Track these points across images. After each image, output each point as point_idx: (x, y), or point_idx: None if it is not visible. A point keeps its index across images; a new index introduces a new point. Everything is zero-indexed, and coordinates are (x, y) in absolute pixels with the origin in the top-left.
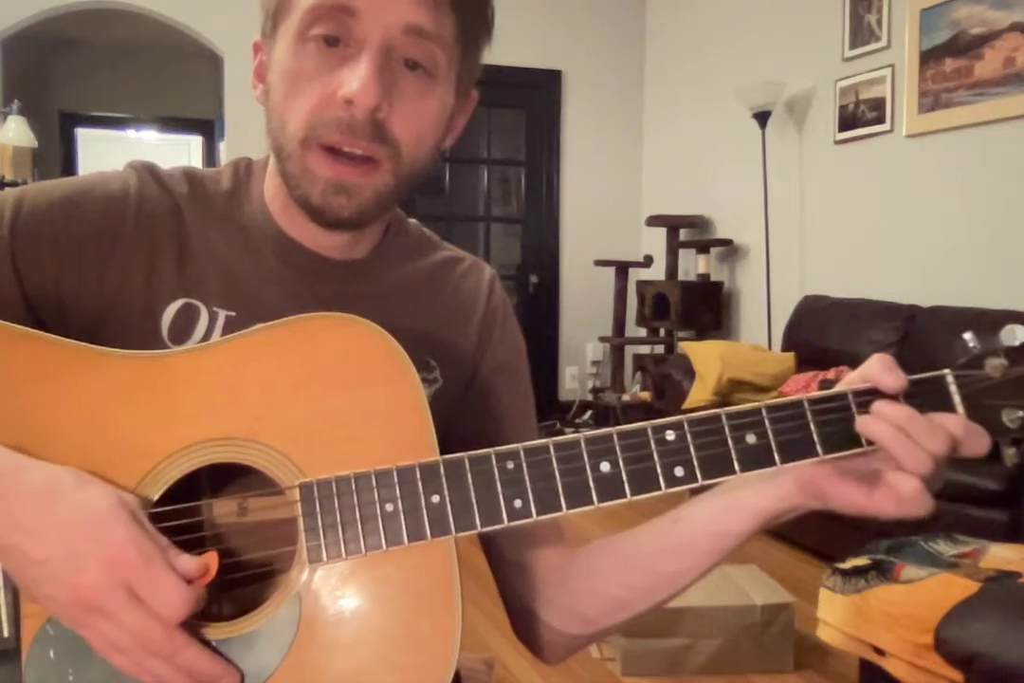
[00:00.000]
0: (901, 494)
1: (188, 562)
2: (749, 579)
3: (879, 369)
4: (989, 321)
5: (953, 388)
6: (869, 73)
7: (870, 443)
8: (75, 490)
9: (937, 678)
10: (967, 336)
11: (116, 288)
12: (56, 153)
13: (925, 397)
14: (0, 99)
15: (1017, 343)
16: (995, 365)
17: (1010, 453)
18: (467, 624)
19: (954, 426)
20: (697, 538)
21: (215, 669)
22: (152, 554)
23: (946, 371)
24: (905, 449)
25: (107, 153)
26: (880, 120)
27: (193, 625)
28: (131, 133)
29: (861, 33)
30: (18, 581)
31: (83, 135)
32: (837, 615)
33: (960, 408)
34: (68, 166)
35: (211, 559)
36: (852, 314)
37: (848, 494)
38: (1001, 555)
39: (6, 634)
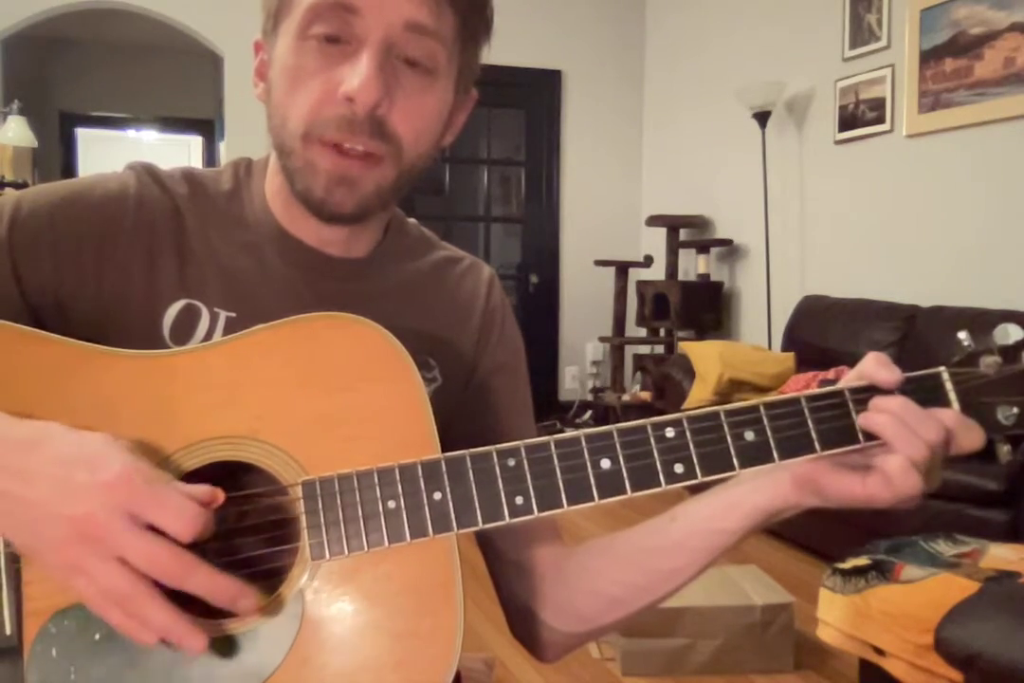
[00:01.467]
0: (888, 473)
1: (192, 487)
2: (749, 579)
3: (874, 366)
4: (989, 321)
5: (948, 385)
6: (869, 73)
7: (867, 439)
8: (65, 433)
9: (937, 678)
10: (961, 335)
11: (116, 289)
12: (56, 153)
13: (921, 394)
14: (0, 99)
15: (1011, 342)
16: (989, 363)
17: (1005, 450)
18: (467, 624)
19: (947, 418)
20: (694, 535)
21: (232, 588)
22: (153, 476)
23: (941, 368)
24: (897, 432)
25: (107, 153)
26: (880, 120)
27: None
28: (131, 133)
29: (861, 33)
30: (10, 534)
31: (83, 135)
32: (837, 615)
33: (955, 404)
34: (68, 166)
35: (217, 490)
36: (852, 314)
37: (843, 485)
38: (1001, 555)
39: (8, 632)
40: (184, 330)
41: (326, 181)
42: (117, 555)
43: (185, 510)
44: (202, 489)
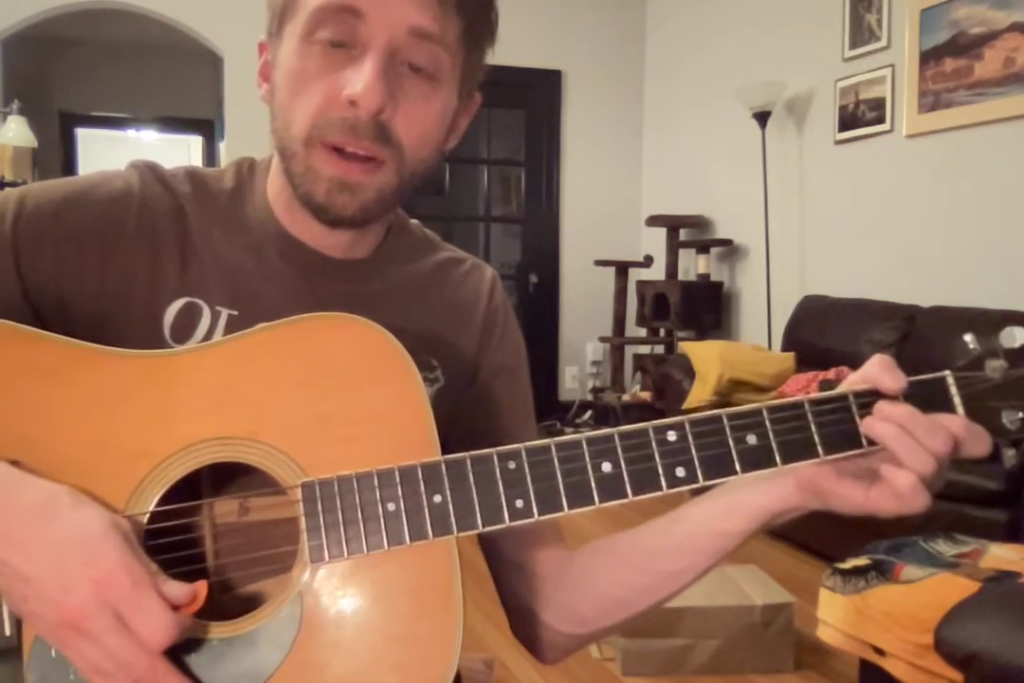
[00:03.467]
0: (897, 489)
1: (177, 589)
2: (749, 579)
3: (879, 370)
4: (989, 321)
5: (953, 389)
6: (869, 73)
7: (870, 444)
8: (71, 509)
9: (937, 678)
10: (967, 338)
11: (118, 287)
12: (56, 153)
13: (925, 398)
14: (0, 99)
15: (1017, 345)
16: (995, 366)
17: (1010, 454)
18: (467, 624)
19: (955, 426)
20: (696, 538)
21: None
22: (141, 578)
23: (946, 372)
24: (907, 447)
25: (107, 153)
26: (880, 120)
27: (196, 623)
28: (131, 133)
29: (861, 33)
30: (7, 597)
31: (83, 135)
32: (837, 615)
33: (960, 409)
34: (68, 166)
35: (200, 588)
36: (852, 314)
37: (846, 493)
38: (1001, 555)
39: (8, 633)
40: (185, 328)
41: (327, 187)
42: (98, 646)
43: (160, 622)
44: (184, 591)
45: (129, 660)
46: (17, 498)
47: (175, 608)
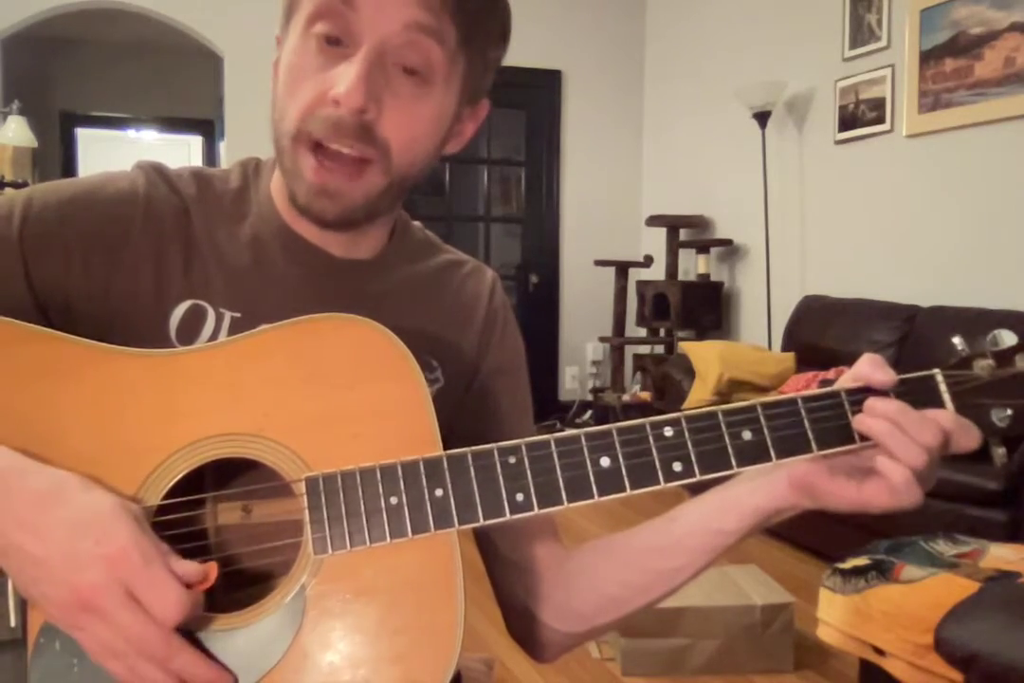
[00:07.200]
0: (892, 483)
1: (187, 566)
2: (749, 579)
3: (869, 367)
4: (988, 321)
5: (943, 387)
6: (869, 73)
7: (862, 440)
8: (80, 492)
9: (937, 678)
10: (956, 340)
11: (124, 289)
12: (56, 153)
13: (916, 395)
14: (0, 99)
15: (1004, 346)
16: (983, 366)
17: (1000, 452)
18: (467, 624)
19: (944, 420)
20: (692, 536)
21: (209, 674)
22: (152, 555)
23: (935, 370)
24: (898, 442)
25: (107, 153)
26: (880, 120)
27: (198, 616)
28: (131, 133)
29: (861, 33)
30: (16, 581)
31: (83, 135)
32: (837, 615)
33: (950, 405)
34: (68, 166)
35: (211, 568)
36: (852, 314)
37: (839, 490)
38: (1001, 555)
39: (13, 624)
40: (190, 330)
41: (307, 190)
42: (111, 624)
43: (172, 597)
44: (195, 569)
45: (142, 637)
46: (27, 483)
47: (186, 586)
